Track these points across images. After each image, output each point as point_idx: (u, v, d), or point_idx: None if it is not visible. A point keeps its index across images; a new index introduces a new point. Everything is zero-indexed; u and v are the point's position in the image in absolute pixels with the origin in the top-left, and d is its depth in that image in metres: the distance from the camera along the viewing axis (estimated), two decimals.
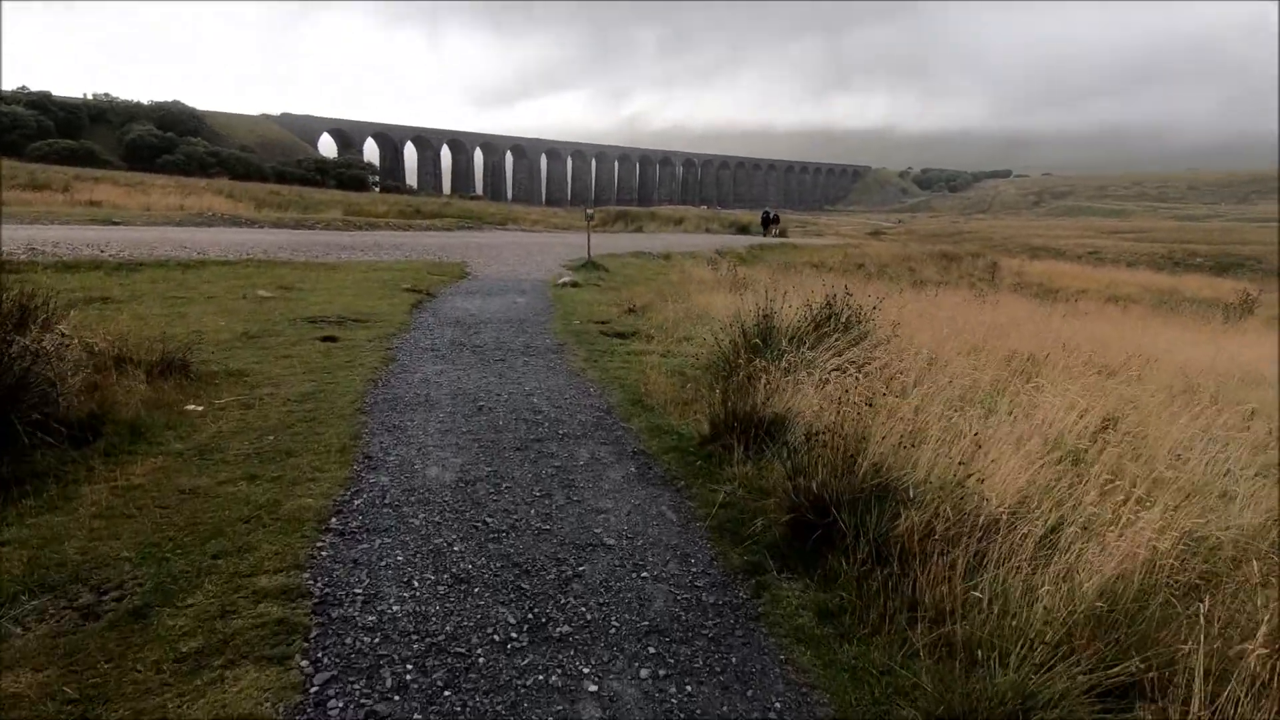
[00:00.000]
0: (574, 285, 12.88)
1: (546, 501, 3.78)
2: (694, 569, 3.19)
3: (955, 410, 4.48)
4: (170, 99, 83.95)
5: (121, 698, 2.27)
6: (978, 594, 2.62)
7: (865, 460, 3.33)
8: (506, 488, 3.92)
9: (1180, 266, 47.10)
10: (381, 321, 8.44)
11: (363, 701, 2.33)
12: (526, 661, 2.55)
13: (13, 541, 3.07)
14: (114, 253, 12.15)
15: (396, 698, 2.36)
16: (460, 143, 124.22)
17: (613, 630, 2.74)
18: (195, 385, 5.51)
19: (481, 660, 2.54)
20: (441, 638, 2.65)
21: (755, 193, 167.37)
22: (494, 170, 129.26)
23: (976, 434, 3.54)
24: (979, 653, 2.44)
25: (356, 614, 2.75)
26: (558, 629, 2.73)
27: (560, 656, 2.58)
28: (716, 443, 4.33)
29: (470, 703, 2.35)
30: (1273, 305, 21.61)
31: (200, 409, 5.04)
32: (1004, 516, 2.97)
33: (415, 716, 2.29)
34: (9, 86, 75.35)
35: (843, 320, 6.23)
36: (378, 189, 75.68)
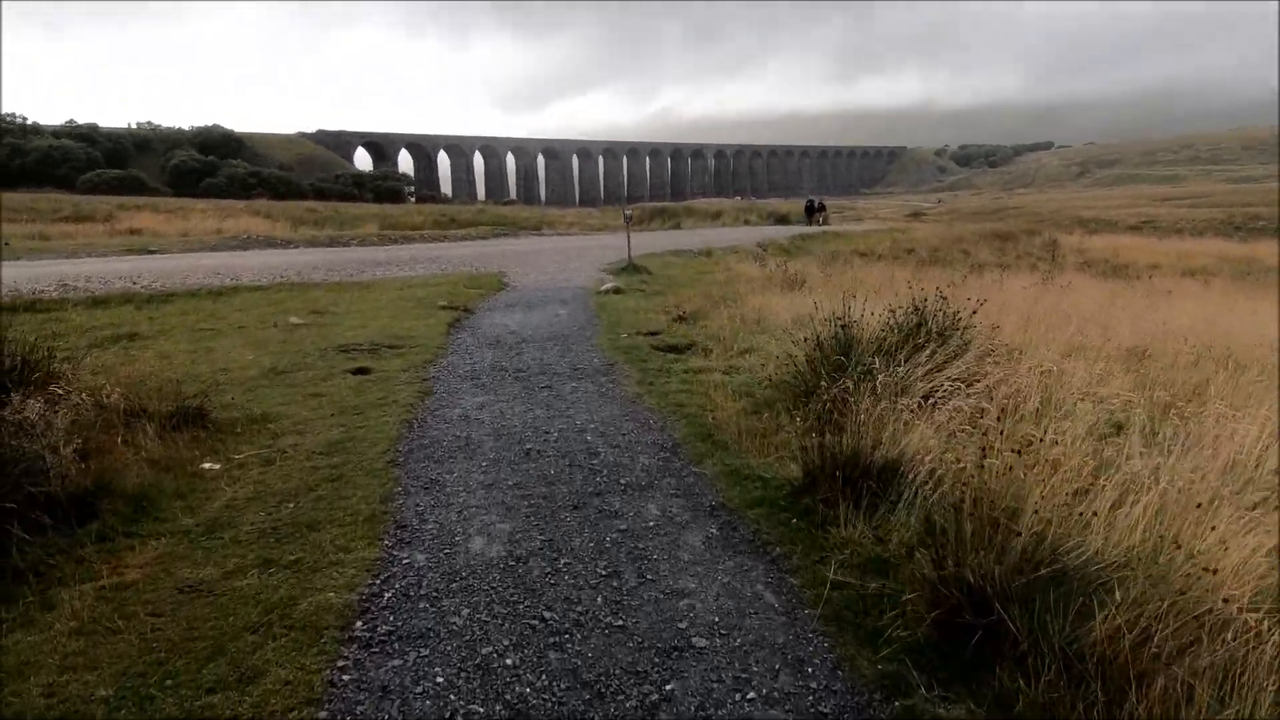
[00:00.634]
0: (616, 292, 12.21)
1: (615, 583, 3.09)
2: (814, 684, 2.47)
3: (1104, 440, 3.68)
4: (210, 123, 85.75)
5: None
6: None
7: (1023, 528, 2.57)
8: (565, 564, 3.24)
9: (1243, 231, 44.59)
10: (417, 346, 7.87)
11: None
12: None
13: None
14: (146, 284, 11.86)
15: None
16: (492, 148, 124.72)
17: None
18: (214, 437, 4.96)
19: None
20: None
21: (789, 180, 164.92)
22: (526, 173, 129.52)
23: (1163, 486, 2.75)
24: None
25: None
26: None
27: None
28: (813, 494, 3.59)
29: None
30: None
31: (217, 467, 4.48)
32: (1239, 615, 2.19)
33: None
34: (57, 120, 77.75)
35: (936, 327, 5.42)
36: (413, 199, 76.19)
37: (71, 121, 78.89)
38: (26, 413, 3.72)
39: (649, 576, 3.14)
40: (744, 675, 2.51)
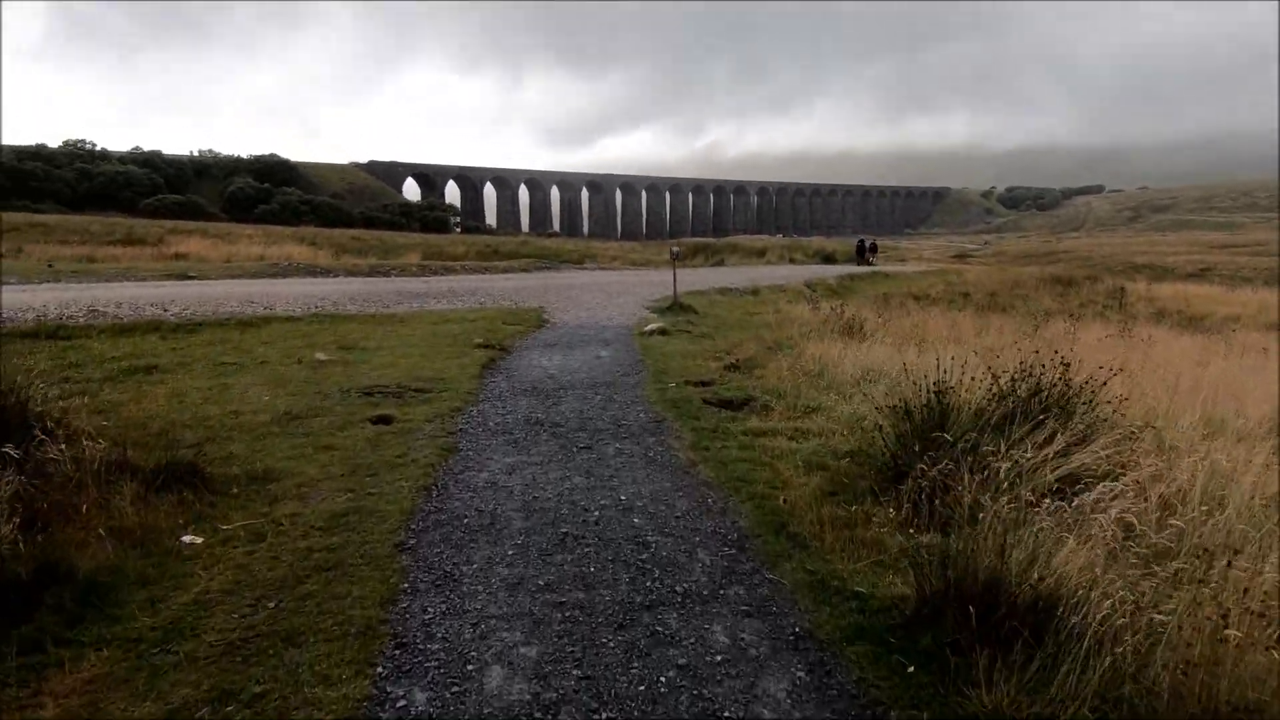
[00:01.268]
0: (662, 333, 11.48)
1: None
2: None
3: None
4: (267, 152, 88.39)
5: None
6: None
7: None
8: None
9: None
10: (447, 391, 7.21)
11: None
12: None
13: None
14: (177, 312, 11.49)
15: None
16: (537, 181, 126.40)
17: None
18: (204, 499, 4.30)
19: None
20: None
21: (831, 219, 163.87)
22: (570, 206, 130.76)
23: None
24: None
25: None
26: None
27: None
28: (934, 630, 2.74)
29: None
30: None
31: (199, 541, 3.80)
32: None
33: None
34: (123, 146, 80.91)
35: (1055, 397, 4.55)
36: (459, 229, 77.11)
37: (137, 148, 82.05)
38: None
39: None
40: None
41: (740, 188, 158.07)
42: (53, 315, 10.53)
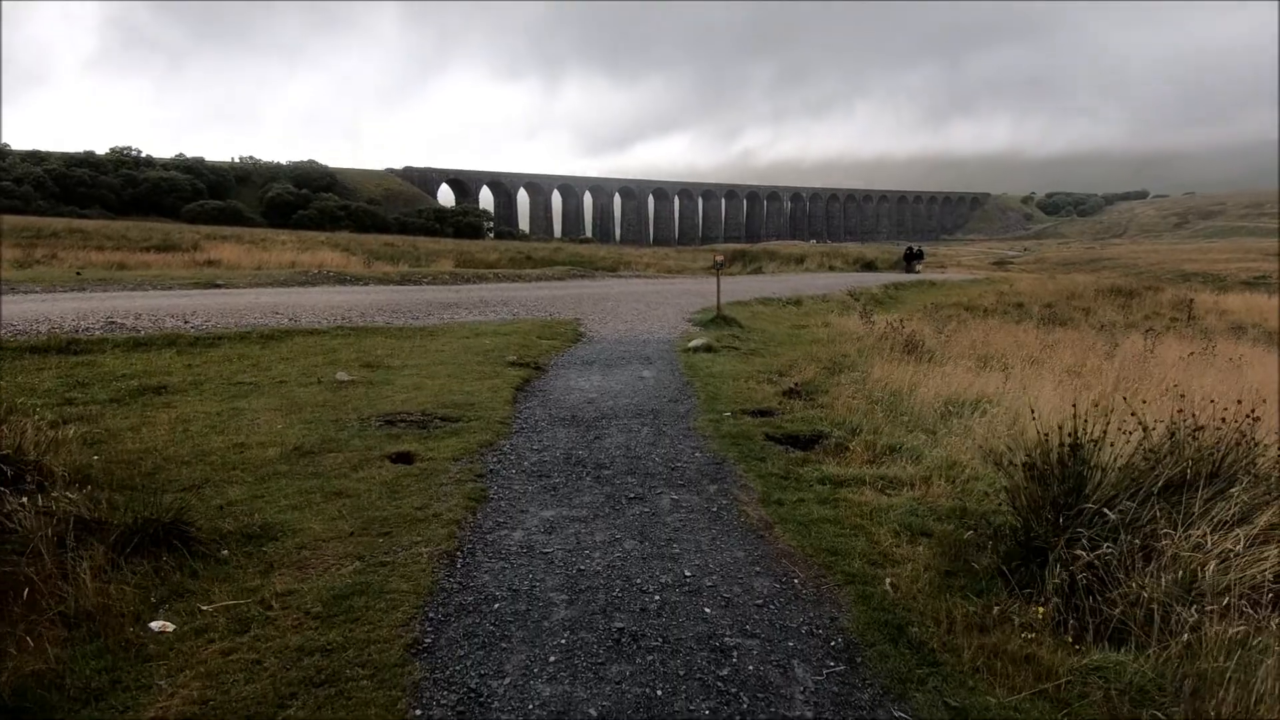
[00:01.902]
0: (708, 350, 10.66)
1: None
2: None
3: None
4: (306, 159, 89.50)
5: None
6: None
7: None
8: None
9: None
10: (477, 419, 6.46)
11: None
12: None
13: None
14: (198, 324, 10.96)
15: None
16: (570, 187, 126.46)
17: None
18: (185, 566, 3.58)
19: None
20: None
21: (867, 225, 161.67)
22: (603, 212, 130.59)
23: None
24: None
25: None
26: None
27: None
28: None
29: None
30: None
31: (169, 630, 3.07)
32: None
33: None
34: (168, 153, 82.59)
35: (1233, 458, 3.63)
36: (492, 235, 77.21)
37: (181, 155, 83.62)
38: None
39: None
40: None
41: (774, 193, 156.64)
42: (68, 327, 10.04)
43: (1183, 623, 2.57)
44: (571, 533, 4.09)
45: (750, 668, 2.79)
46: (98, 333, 9.85)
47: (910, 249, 39.40)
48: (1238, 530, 3.06)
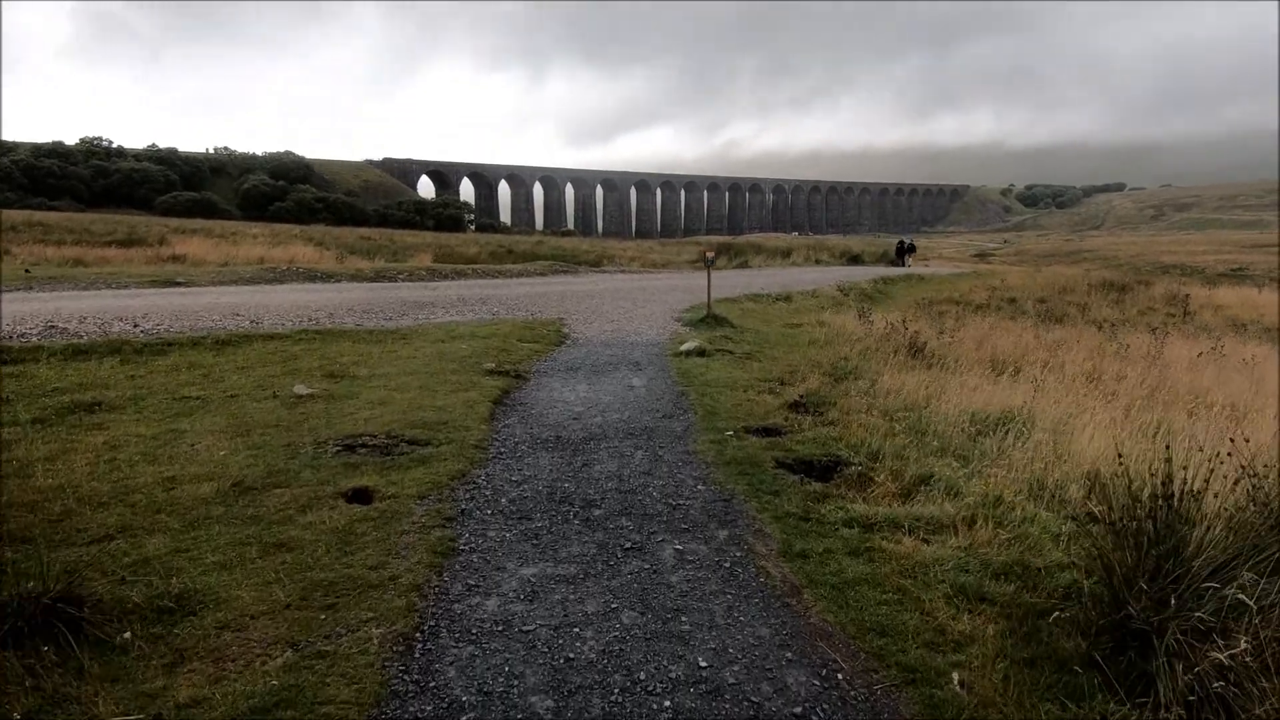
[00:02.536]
0: (700, 354, 9.96)
1: None
2: None
3: None
4: (283, 150, 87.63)
5: None
6: None
7: None
8: None
9: None
10: (448, 442, 5.73)
11: None
12: None
13: None
14: (149, 327, 10.10)
15: None
16: (552, 179, 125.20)
17: None
18: (71, 660, 2.84)
19: None
20: None
21: (848, 217, 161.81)
22: (584, 205, 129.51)
23: None
24: None
25: None
26: None
27: None
28: None
29: None
30: None
31: None
32: None
33: None
34: (138, 144, 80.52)
35: None
36: (473, 227, 75.98)
37: (153, 145, 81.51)
38: None
39: None
40: None
41: (755, 185, 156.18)
42: (4, 333, 9.16)
43: None
44: (557, 599, 3.38)
45: None
46: (34, 338, 8.98)
47: (902, 243, 39.05)
48: None
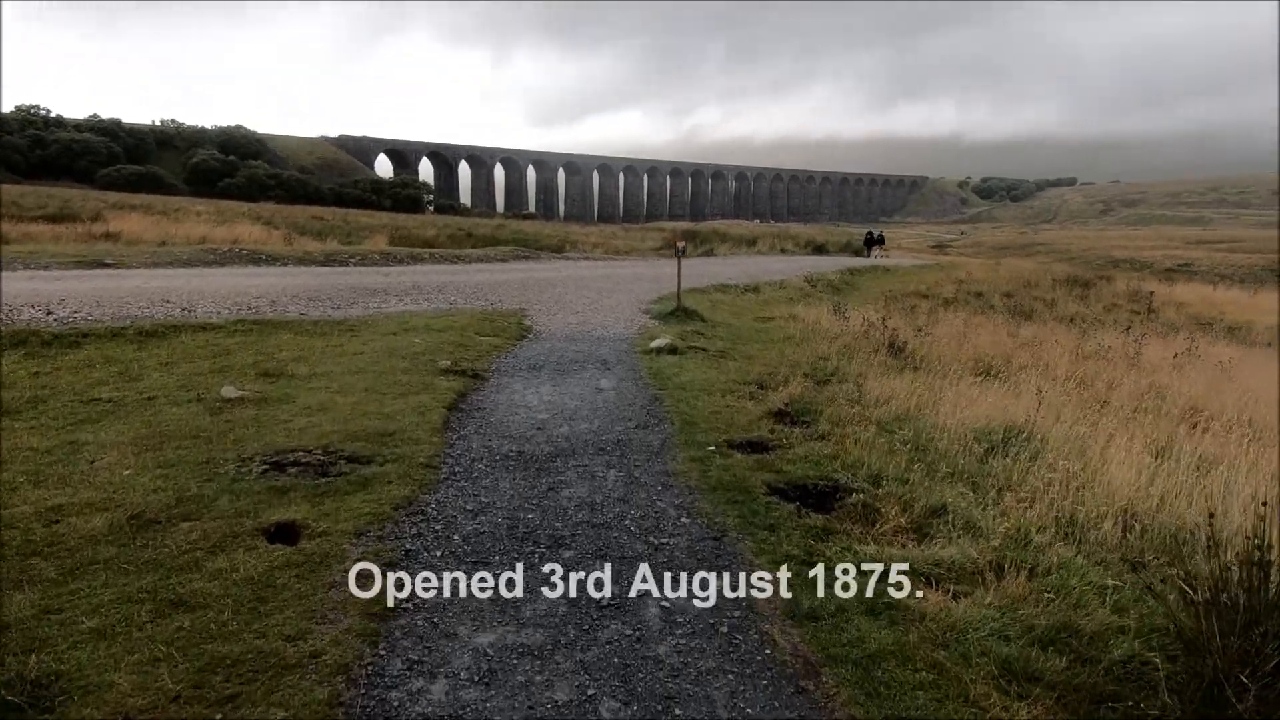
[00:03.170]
0: (672, 351, 9.35)
1: None
2: None
3: None
4: (234, 124, 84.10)
5: None
6: None
7: None
8: None
9: None
10: (394, 459, 5.02)
11: None
12: None
13: None
14: (64, 315, 9.11)
15: None
16: (513, 160, 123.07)
17: None
18: None
19: None
20: None
21: (809, 205, 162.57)
22: (546, 187, 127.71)
23: None
24: None
25: None
26: None
27: None
28: None
29: None
30: None
31: None
32: None
33: None
34: (80, 114, 76.51)
35: None
36: (432, 209, 74.09)
37: (95, 116, 77.61)
38: None
39: None
40: None
41: (718, 172, 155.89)
42: None
43: None
44: (520, 681, 2.74)
45: None
46: None
47: (870, 234, 39.25)
48: None
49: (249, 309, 10.52)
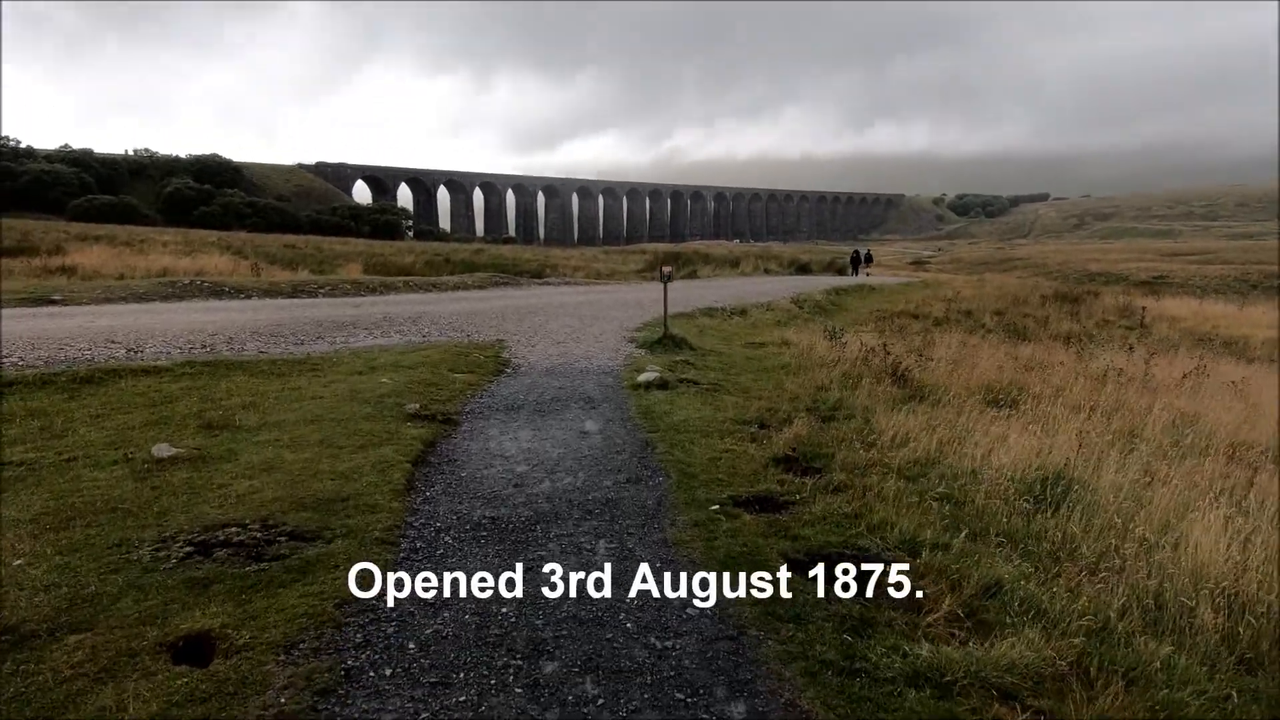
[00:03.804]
0: (662, 386, 8.65)
1: None
2: None
3: None
4: (209, 152, 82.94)
5: None
6: None
7: None
8: None
9: (1258, 290, 43.94)
10: (345, 533, 4.26)
11: None
12: None
13: None
14: None
15: None
16: (492, 185, 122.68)
17: None
18: None
19: None
20: None
21: (788, 224, 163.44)
22: (526, 211, 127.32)
23: None
24: None
25: None
26: None
27: None
28: None
29: None
30: None
31: None
32: None
33: None
34: (50, 145, 75.10)
35: None
36: (411, 234, 73.29)
37: (66, 146, 76.30)
38: None
39: None
40: None
41: (697, 193, 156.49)
42: None
43: None
44: None
45: None
46: None
47: (857, 253, 39.17)
48: None
49: (203, 347, 9.72)
